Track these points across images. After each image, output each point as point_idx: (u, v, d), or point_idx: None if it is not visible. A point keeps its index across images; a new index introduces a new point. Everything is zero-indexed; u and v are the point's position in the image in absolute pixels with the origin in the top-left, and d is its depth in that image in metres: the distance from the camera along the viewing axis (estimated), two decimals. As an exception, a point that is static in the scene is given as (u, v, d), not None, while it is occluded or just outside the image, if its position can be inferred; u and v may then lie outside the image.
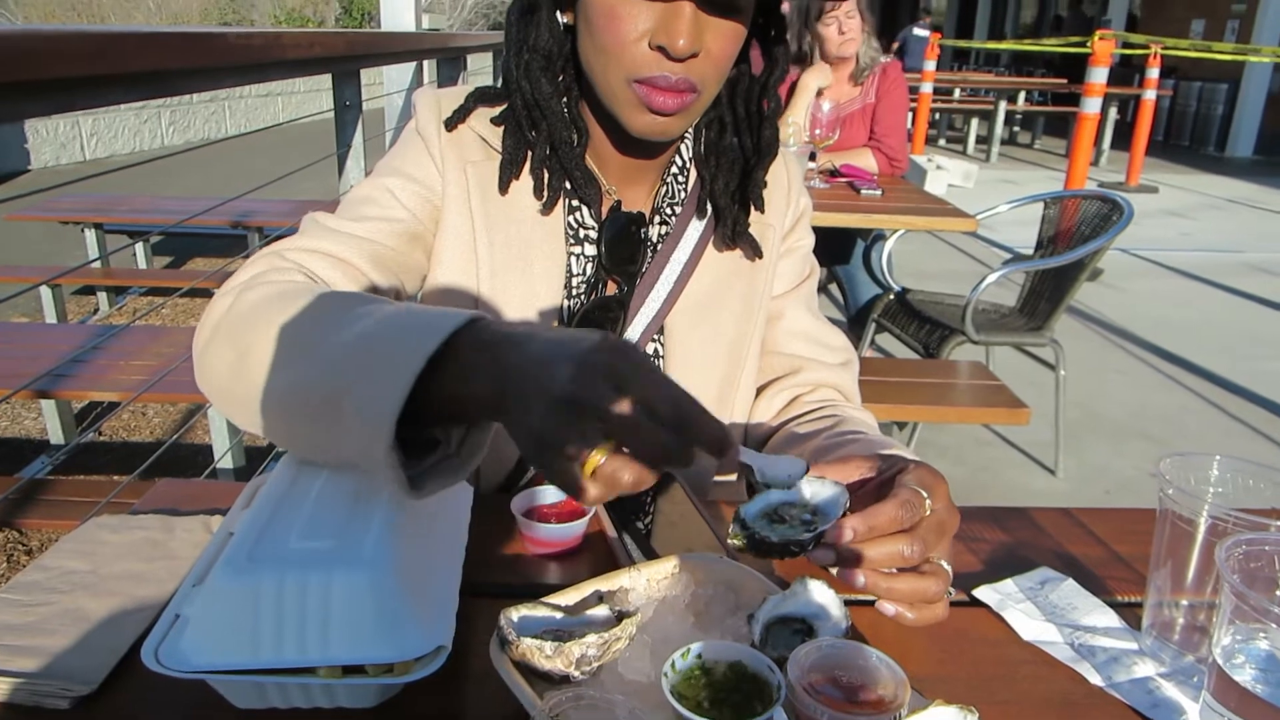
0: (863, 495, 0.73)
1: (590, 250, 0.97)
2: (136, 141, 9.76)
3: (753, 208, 1.01)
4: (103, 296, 4.49)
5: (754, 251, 1.02)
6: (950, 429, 3.35)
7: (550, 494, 0.83)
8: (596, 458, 0.54)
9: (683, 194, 1.02)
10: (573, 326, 0.96)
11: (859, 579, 0.67)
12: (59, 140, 8.68)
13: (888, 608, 0.69)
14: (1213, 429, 3.50)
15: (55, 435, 2.96)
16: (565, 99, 0.94)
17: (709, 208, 1.01)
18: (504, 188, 0.95)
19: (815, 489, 0.70)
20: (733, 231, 1.00)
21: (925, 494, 0.69)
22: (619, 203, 0.99)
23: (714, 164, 1.00)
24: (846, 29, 3.11)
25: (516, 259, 0.95)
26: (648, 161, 0.99)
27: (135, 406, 3.30)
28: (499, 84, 0.97)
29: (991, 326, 2.96)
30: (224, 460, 2.45)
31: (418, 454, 0.65)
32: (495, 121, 0.96)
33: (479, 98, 0.97)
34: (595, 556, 0.81)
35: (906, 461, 0.74)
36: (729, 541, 0.68)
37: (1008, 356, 3.32)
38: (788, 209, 1.08)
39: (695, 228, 1.01)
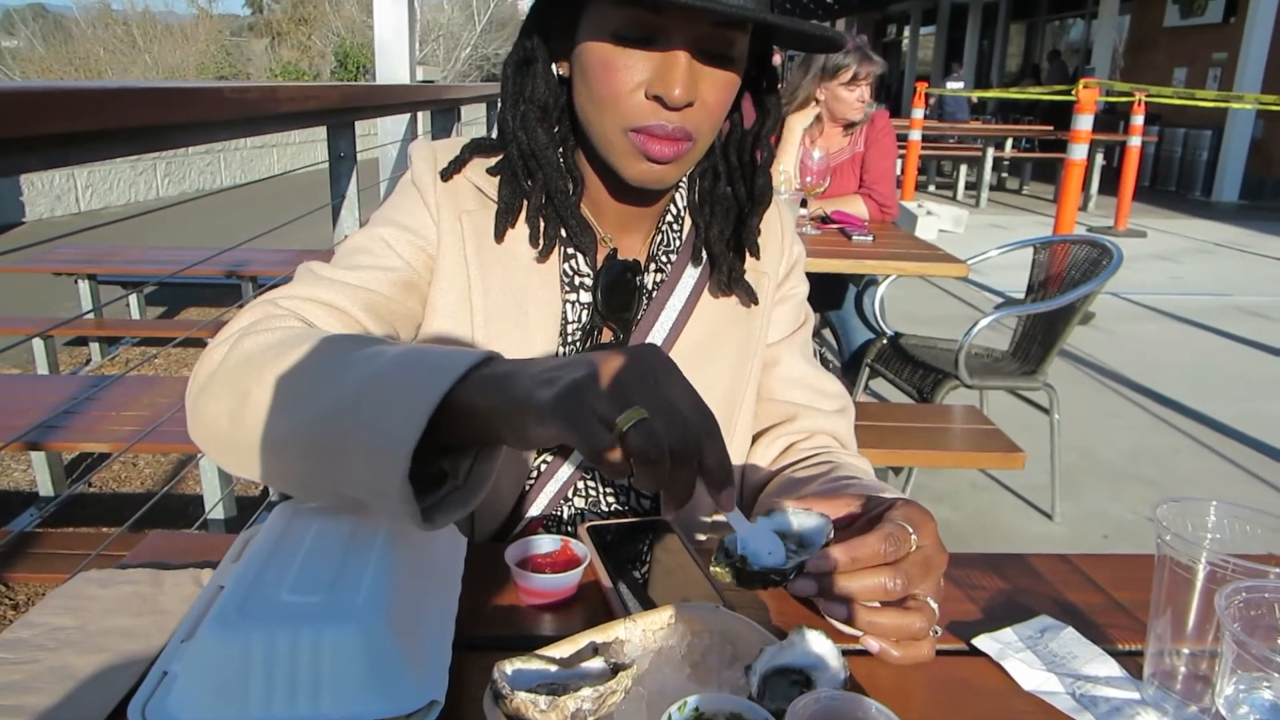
0: (850, 531, 0.73)
1: (586, 298, 0.98)
2: (132, 193, 9.82)
3: (748, 254, 1.02)
4: (95, 347, 4.49)
5: (749, 298, 1.02)
6: (946, 474, 3.34)
7: (545, 544, 0.83)
8: (631, 416, 0.55)
9: (678, 242, 1.02)
10: None
11: (841, 611, 0.67)
12: (54, 192, 8.73)
13: (872, 644, 0.68)
14: (1208, 472, 3.50)
15: (45, 487, 2.93)
16: (561, 149, 0.95)
17: (704, 255, 1.02)
18: (499, 236, 0.95)
19: (800, 520, 0.70)
20: (728, 279, 1.01)
21: (911, 530, 0.69)
22: (614, 250, 0.99)
23: (708, 212, 1.01)
24: (865, 98, 3.21)
25: (511, 306, 0.95)
26: (643, 210, 1.00)
27: (126, 457, 3.28)
28: (494, 135, 0.98)
29: (985, 371, 2.97)
30: (215, 511, 2.43)
31: (423, 489, 0.65)
32: (491, 171, 0.97)
33: (474, 149, 0.98)
34: (590, 607, 0.80)
35: (894, 499, 0.74)
36: (712, 568, 0.68)
37: (1002, 400, 3.33)
38: (782, 257, 1.09)
39: (690, 275, 1.01)
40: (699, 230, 1.02)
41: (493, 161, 0.97)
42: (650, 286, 1.01)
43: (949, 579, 0.88)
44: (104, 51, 18.72)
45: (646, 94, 0.84)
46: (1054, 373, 2.99)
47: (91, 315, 4.31)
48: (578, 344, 0.98)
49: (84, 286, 4.37)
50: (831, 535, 0.68)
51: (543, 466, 0.99)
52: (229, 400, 0.73)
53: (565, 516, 1.01)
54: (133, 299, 4.83)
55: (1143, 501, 3.21)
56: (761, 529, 0.69)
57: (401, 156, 4.26)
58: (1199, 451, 3.69)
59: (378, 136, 4.38)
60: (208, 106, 1.44)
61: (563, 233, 0.96)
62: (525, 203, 0.96)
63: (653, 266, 1.01)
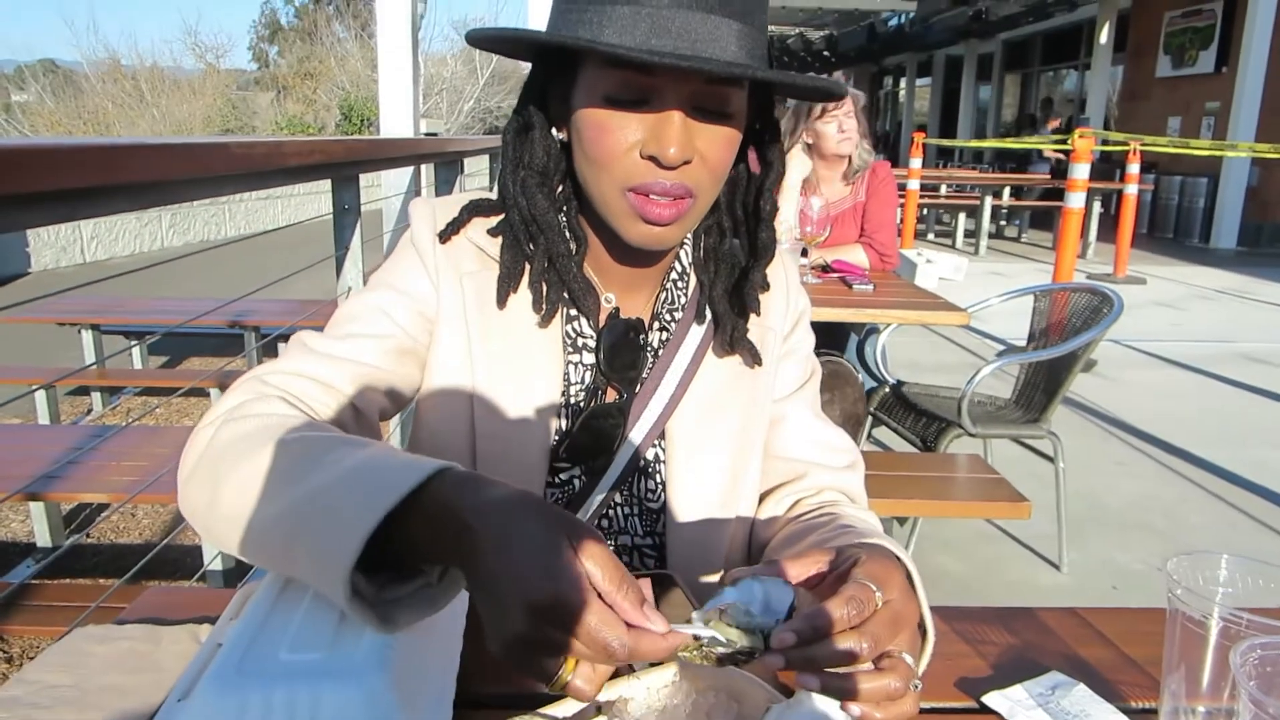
0: (820, 590, 0.71)
1: (589, 359, 0.97)
2: (137, 244, 9.91)
3: (750, 312, 1.01)
4: (97, 397, 4.49)
5: (753, 359, 1.02)
6: (952, 523, 3.32)
7: (547, 599, 0.81)
8: (565, 676, 0.59)
9: (683, 299, 1.02)
10: (574, 431, 0.96)
11: (814, 683, 0.65)
12: (60, 244, 8.81)
13: (853, 709, 0.66)
14: (1216, 520, 3.47)
15: (43, 538, 2.91)
16: (564, 210, 0.95)
17: (708, 314, 1.01)
18: (502, 302, 0.95)
19: (766, 589, 0.68)
20: (731, 338, 1.00)
21: (875, 587, 0.67)
22: (617, 310, 0.99)
23: (713, 269, 1.00)
24: (845, 128, 3.23)
25: (513, 369, 0.95)
26: (647, 270, 0.99)
27: (125, 508, 3.26)
28: (494, 193, 0.99)
29: (988, 419, 2.96)
30: (214, 563, 2.42)
31: (400, 578, 0.66)
32: (492, 232, 0.97)
33: (473, 210, 0.97)
34: (593, 664, 0.79)
35: (859, 552, 0.72)
36: (679, 654, 0.67)
37: (1006, 448, 3.31)
38: (787, 310, 1.08)
39: (695, 333, 1.01)
40: (703, 288, 1.01)
41: (493, 221, 0.97)
42: (655, 345, 1.00)
43: (956, 633, 0.87)
44: (113, 106, 19.00)
45: (641, 154, 0.84)
46: (1057, 420, 2.98)
47: (94, 366, 4.32)
48: (581, 404, 0.97)
49: (87, 337, 4.39)
50: (796, 603, 0.67)
51: None
52: (206, 491, 0.75)
53: None
54: (135, 349, 4.84)
55: (1151, 551, 3.18)
56: (726, 595, 0.68)
57: (405, 210, 4.30)
58: (1207, 500, 3.66)
59: (382, 189, 4.42)
60: (215, 162, 1.46)
61: (565, 295, 0.96)
62: (527, 267, 0.95)
63: (656, 325, 1.01)
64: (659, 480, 1.00)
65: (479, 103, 23.01)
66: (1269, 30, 11.07)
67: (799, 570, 0.72)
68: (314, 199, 12.69)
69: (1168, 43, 13.27)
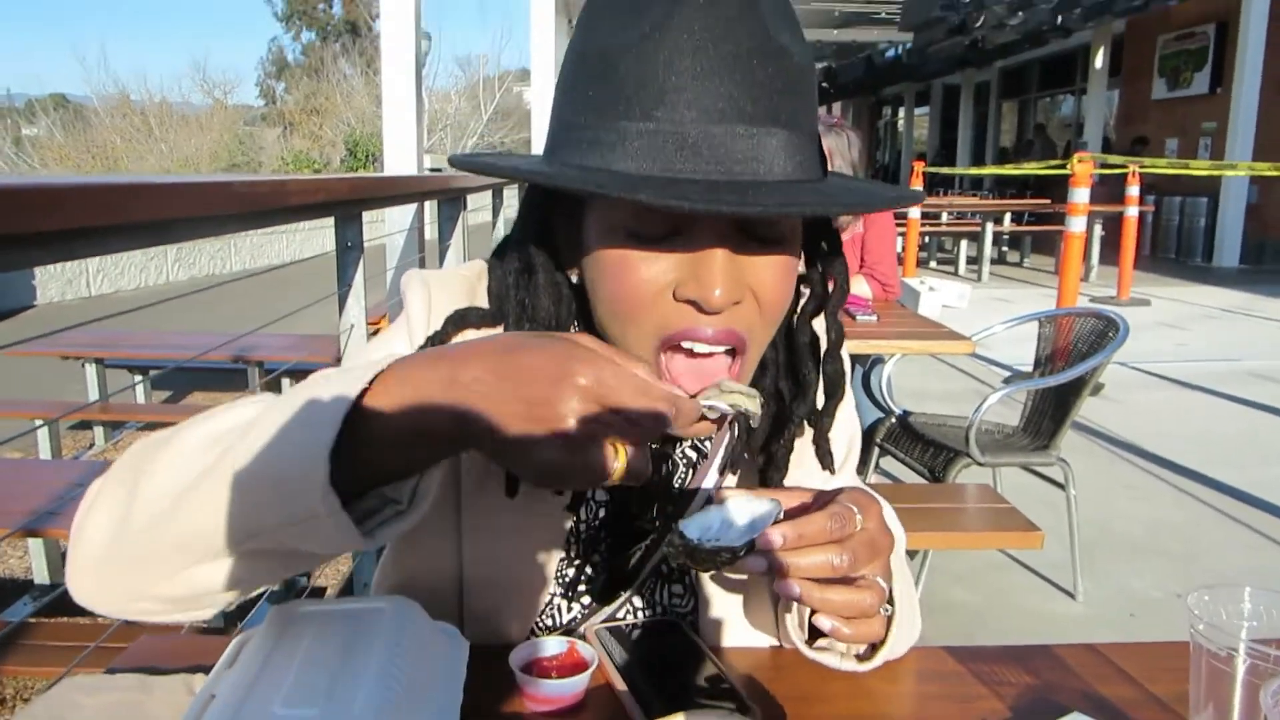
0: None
1: (601, 495, 0.86)
2: (142, 278, 9.96)
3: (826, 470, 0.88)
4: (99, 431, 4.47)
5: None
6: (963, 553, 3.28)
7: (550, 646, 0.79)
8: (619, 464, 0.59)
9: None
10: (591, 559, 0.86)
11: (793, 588, 0.67)
12: (65, 276, 8.87)
13: (824, 622, 0.69)
14: (1230, 542, 3.43)
15: (41, 575, 2.89)
16: None
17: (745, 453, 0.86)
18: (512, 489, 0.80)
19: (753, 505, 0.71)
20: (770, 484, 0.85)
21: (857, 510, 0.69)
22: None
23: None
24: None
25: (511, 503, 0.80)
26: None
27: (128, 547, 3.23)
28: (494, 257, 0.83)
29: (996, 447, 2.93)
30: (216, 603, 2.38)
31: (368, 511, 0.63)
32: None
33: (459, 323, 0.78)
34: (599, 713, 0.76)
35: (842, 487, 0.74)
36: (664, 548, 0.69)
37: (1015, 475, 3.28)
38: None
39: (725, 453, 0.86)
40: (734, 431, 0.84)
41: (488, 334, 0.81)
42: (689, 458, 0.89)
43: (972, 674, 0.85)
44: (121, 140, 19.21)
45: (676, 297, 0.69)
46: (1067, 445, 2.94)
47: (98, 402, 4.31)
48: (599, 532, 0.86)
49: (91, 370, 4.38)
50: (781, 518, 0.69)
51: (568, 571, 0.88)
52: (121, 492, 0.63)
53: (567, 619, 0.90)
54: (139, 384, 4.83)
55: (1166, 576, 3.14)
56: (713, 513, 0.70)
57: (409, 243, 4.31)
58: (1219, 521, 3.62)
59: (385, 225, 4.43)
60: (219, 201, 1.44)
61: None
62: None
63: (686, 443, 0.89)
64: (686, 585, 0.90)
65: (482, 138, 23.23)
66: (1260, 49, 11.16)
67: (784, 499, 0.72)
68: (319, 233, 12.75)
69: (1162, 65, 13.37)
